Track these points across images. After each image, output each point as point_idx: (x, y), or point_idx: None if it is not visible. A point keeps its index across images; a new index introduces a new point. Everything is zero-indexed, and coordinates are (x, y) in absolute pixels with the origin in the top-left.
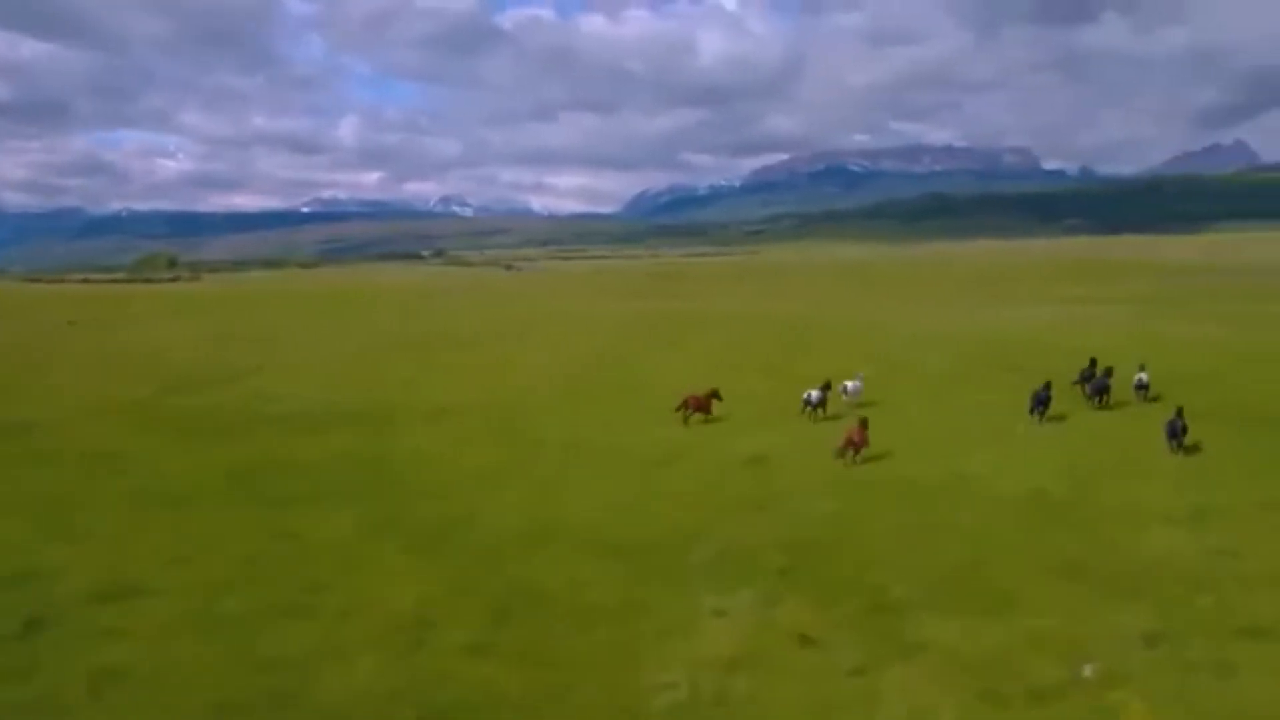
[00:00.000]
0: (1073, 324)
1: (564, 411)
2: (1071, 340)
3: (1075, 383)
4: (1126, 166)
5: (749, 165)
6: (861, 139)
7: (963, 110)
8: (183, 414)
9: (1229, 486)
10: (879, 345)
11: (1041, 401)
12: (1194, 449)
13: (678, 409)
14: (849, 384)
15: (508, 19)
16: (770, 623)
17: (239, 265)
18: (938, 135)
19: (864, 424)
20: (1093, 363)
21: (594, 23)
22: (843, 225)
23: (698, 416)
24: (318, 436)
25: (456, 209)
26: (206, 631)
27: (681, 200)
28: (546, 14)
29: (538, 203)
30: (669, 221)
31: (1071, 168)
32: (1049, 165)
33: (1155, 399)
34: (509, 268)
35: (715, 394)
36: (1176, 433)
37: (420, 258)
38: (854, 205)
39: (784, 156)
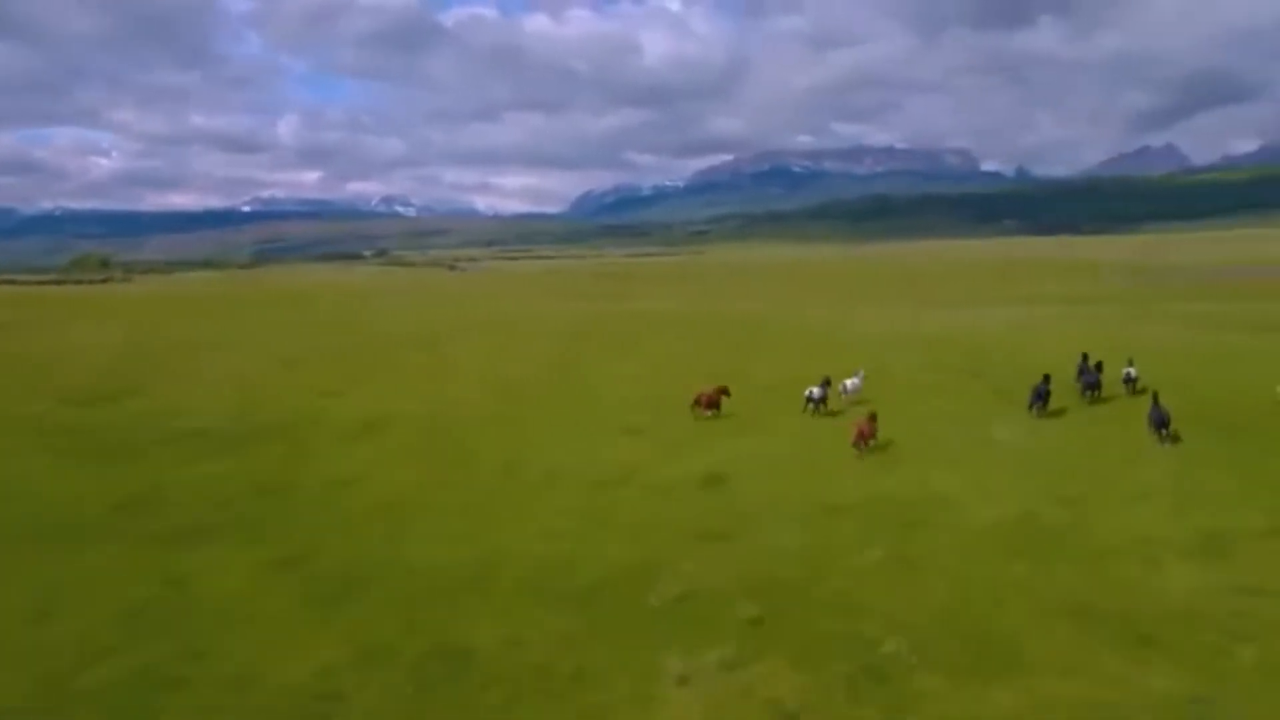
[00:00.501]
0: (1033, 327)
1: (502, 426)
2: (1035, 343)
3: (1076, 380)
4: (1062, 168)
5: (693, 165)
6: (805, 140)
7: (904, 112)
8: (75, 431)
9: (1232, 508)
10: (837, 349)
11: (1041, 396)
12: (1188, 462)
13: (693, 405)
14: (848, 381)
15: (450, 17)
16: (744, 690)
17: (174, 266)
18: (879, 136)
19: (872, 417)
20: (1084, 358)
21: (538, 22)
22: (787, 226)
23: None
24: (223, 459)
25: (399, 209)
26: (57, 713)
27: (626, 200)
28: (489, 13)
29: (482, 203)
30: (614, 221)
31: (1009, 169)
32: (988, 166)
33: (1143, 391)
34: (452, 268)
35: (725, 391)
36: (1163, 422)
37: (362, 258)
38: (798, 206)
39: (728, 157)
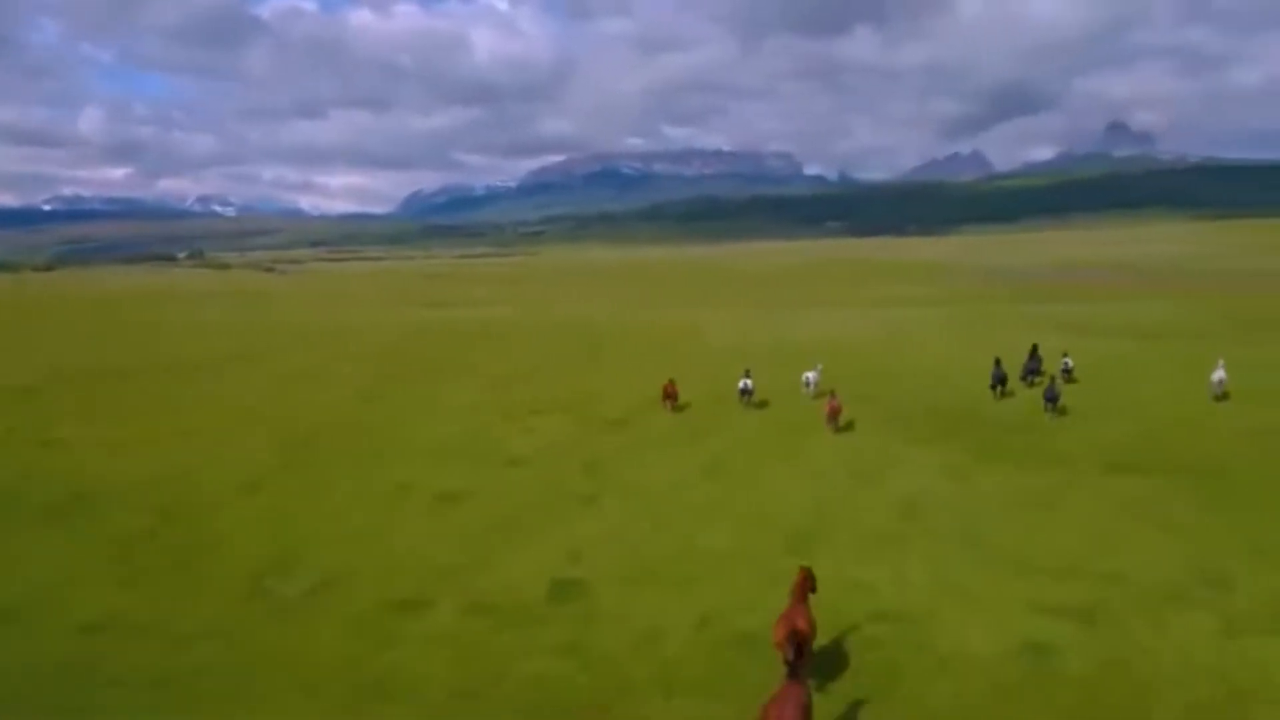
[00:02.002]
0: (892, 333)
1: (269, 499)
2: (905, 353)
3: (1026, 378)
4: (880, 172)
5: (525, 166)
6: (635, 142)
7: (730, 116)
8: None
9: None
10: (693, 360)
11: (1000, 380)
12: (1201, 546)
13: (663, 400)
14: (809, 375)
15: (267, 9)
16: None
17: None
18: (707, 139)
19: (834, 394)
20: (1034, 349)
21: (361, 16)
22: (618, 227)
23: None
24: None
25: (217, 208)
26: None
27: (457, 200)
28: (309, 6)
29: (306, 202)
30: (445, 222)
31: (831, 173)
32: (810, 170)
33: (1076, 381)
34: (270, 270)
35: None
36: (1053, 398)
37: (175, 260)
38: (629, 207)
39: (560, 158)
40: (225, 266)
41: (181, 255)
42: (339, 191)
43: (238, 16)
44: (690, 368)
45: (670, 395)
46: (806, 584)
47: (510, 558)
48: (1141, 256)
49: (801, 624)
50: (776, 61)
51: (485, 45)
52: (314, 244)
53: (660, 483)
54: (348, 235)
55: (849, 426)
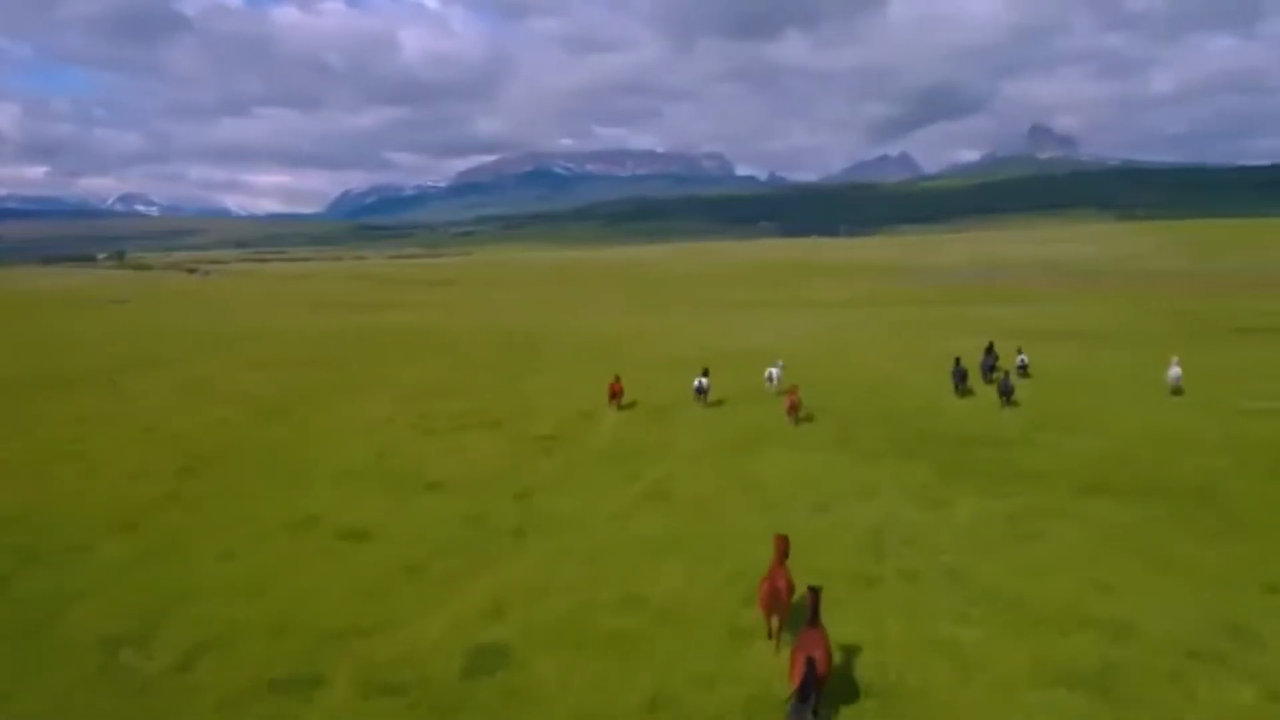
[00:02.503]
0: (836, 338)
1: (141, 541)
2: (852, 360)
3: (985, 375)
4: (810, 173)
5: (456, 166)
6: (567, 142)
7: (662, 117)
8: None
9: None
10: (631, 367)
11: (961, 377)
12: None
13: (610, 400)
14: (772, 370)
15: (190, 5)
16: None
17: None
18: (640, 140)
19: (794, 389)
20: (990, 346)
21: (288, 13)
22: (551, 227)
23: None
24: None
25: (140, 208)
26: None
27: (388, 201)
28: (234, 1)
29: (233, 202)
30: (375, 222)
31: (762, 173)
32: (742, 171)
33: (1030, 377)
34: (192, 271)
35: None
36: (1007, 391)
37: (95, 261)
38: (562, 207)
39: (492, 158)
40: (146, 267)
41: (102, 256)
42: (266, 191)
43: (161, 11)
44: (628, 376)
45: (615, 394)
46: (784, 549)
47: (422, 615)
48: (1071, 257)
49: (781, 584)
50: (708, 63)
51: (415, 44)
52: (240, 244)
53: (598, 513)
54: (275, 236)
55: (805, 439)
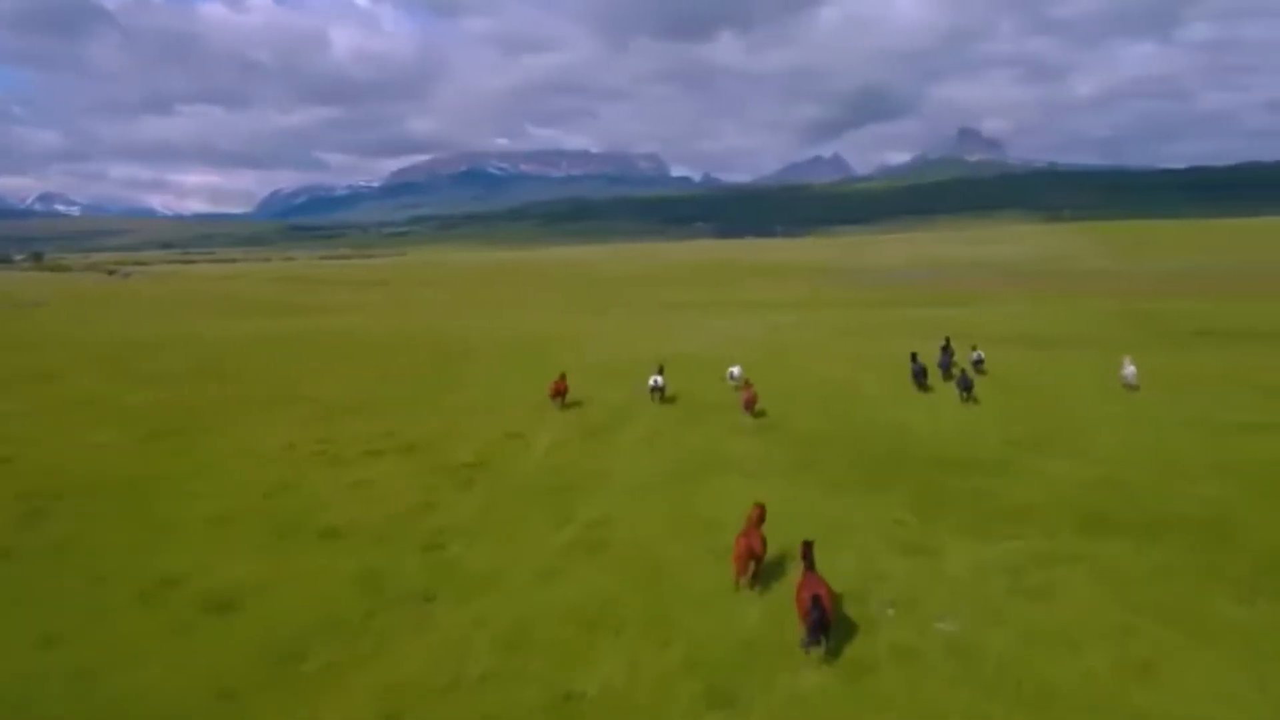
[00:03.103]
0: (781, 342)
1: None
2: (800, 366)
3: (944, 372)
4: (744, 174)
5: (389, 166)
6: (502, 143)
7: (597, 118)
8: None
9: None
10: (571, 380)
11: (920, 373)
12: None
13: (552, 397)
14: (734, 370)
15: None
16: None
17: None
18: (574, 141)
19: (748, 383)
20: (947, 342)
21: (214, 9)
22: (486, 228)
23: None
24: None
25: (60, 208)
26: None
27: (319, 201)
28: None
29: (158, 201)
30: (305, 223)
31: (697, 174)
32: (677, 171)
33: (984, 373)
34: (111, 272)
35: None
36: (967, 386)
37: (9, 262)
38: (496, 207)
39: (425, 158)
40: (64, 269)
41: (19, 257)
42: (193, 191)
43: (81, 4)
44: (541, 399)
45: (560, 393)
46: (761, 515)
47: None
48: (1007, 257)
49: (756, 544)
50: (642, 64)
51: (346, 42)
52: (165, 245)
53: (522, 569)
54: (202, 236)
55: (762, 463)
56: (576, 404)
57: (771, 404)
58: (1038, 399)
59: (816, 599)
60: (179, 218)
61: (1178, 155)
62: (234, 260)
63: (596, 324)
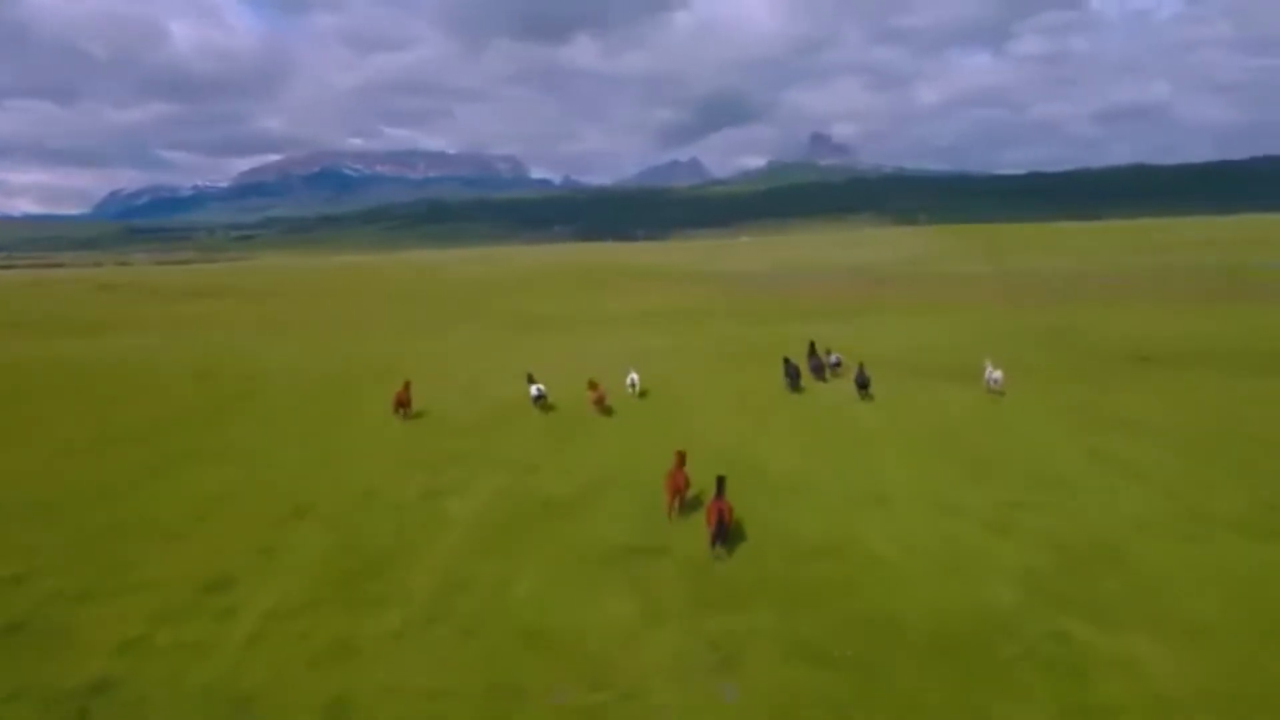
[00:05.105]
0: (660, 374)
1: None
2: (687, 413)
3: (816, 375)
4: (603, 177)
5: (238, 166)
6: (356, 143)
7: (454, 118)
8: None
9: None
10: (388, 428)
11: (794, 374)
12: None
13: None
14: (633, 376)
15: None
16: None
17: None
18: (431, 141)
19: (597, 384)
20: (812, 346)
21: None
22: (339, 230)
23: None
24: None
25: None
26: None
27: (163, 201)
28: None
29: None
30: (148, 224)
31: (557, 176)
32: (537, 174)
33: (840, 375)
34: None
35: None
36: (864, 384)
37: None
38: (350, 209)
39: (276, 158)
40: None
41: None
42: (22, 190)
43: None
44: (365, 444)
45: (402, 404)
46: (681, 460)
47: None
48: (870, 260)
49: (680, 480)
50: (498, 64)
51: (187, 35)
52: None
53: None
54: (31, 239)
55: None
56: (420, 414)
57: (641, 495)
58: (958, 456)
59: (720, 511)
60: (6, 218)
61: (1013, 161)
62: (59, 265)
63: (443, 347)
